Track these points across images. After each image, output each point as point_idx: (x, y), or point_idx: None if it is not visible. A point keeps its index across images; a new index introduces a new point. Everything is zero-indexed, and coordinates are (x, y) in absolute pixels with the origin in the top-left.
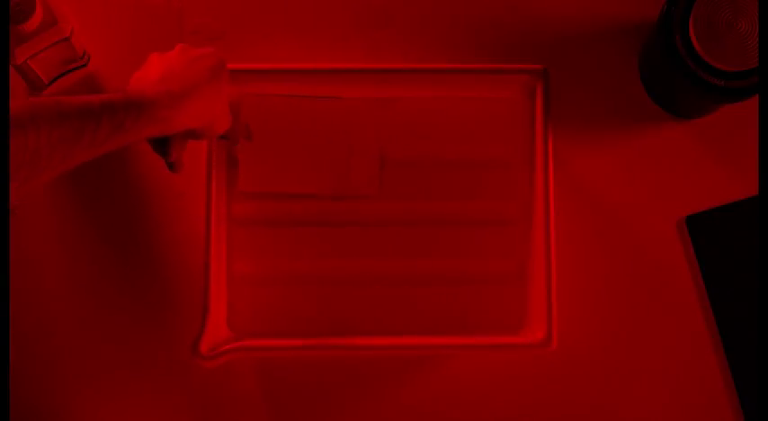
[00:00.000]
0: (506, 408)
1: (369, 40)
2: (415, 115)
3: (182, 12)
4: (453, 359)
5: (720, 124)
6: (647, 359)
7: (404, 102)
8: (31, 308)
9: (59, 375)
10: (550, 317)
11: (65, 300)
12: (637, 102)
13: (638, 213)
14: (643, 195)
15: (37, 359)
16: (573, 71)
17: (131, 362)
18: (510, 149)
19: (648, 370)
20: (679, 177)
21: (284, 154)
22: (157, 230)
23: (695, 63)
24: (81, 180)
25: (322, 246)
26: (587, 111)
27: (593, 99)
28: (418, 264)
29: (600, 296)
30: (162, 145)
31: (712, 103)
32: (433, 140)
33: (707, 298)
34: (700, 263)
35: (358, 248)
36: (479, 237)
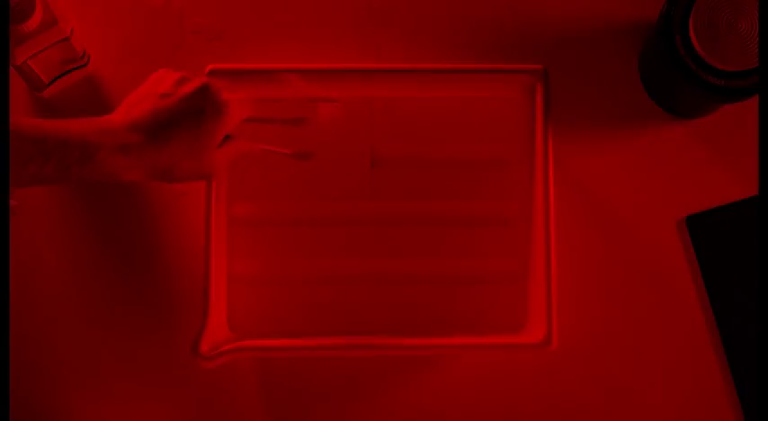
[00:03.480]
0: (506, 408)
1: (369, 40)
2: (415, 115)
3: (182, 12)
4: (453, 359)
5: (720, 124)
6: (647, 359)
7: (403, 101)
8: (31, 308)
9: (59, 375)
10: (550, 317)
11: (64, 301)
12: (637, 102)
13: (638, 213)
14: (643, 195)
15: (36, 359)
16: (573, 71)
17: (131, 362)
18: (509, 149)
19: (648, 370)
20: (679, 177)
21: (274, 160)
22: (157, 230)
23: (695, 63)
24: None
25: (322, 246)
26: (587, 111)
27: (593, 99)
28: (418, 264)
29: (600, 296)
30: None
31: (712, 103)
32: (434, 140)
33: (707, 298)
34: (700, 263)
35: (359, 248)
36: (479, 237)
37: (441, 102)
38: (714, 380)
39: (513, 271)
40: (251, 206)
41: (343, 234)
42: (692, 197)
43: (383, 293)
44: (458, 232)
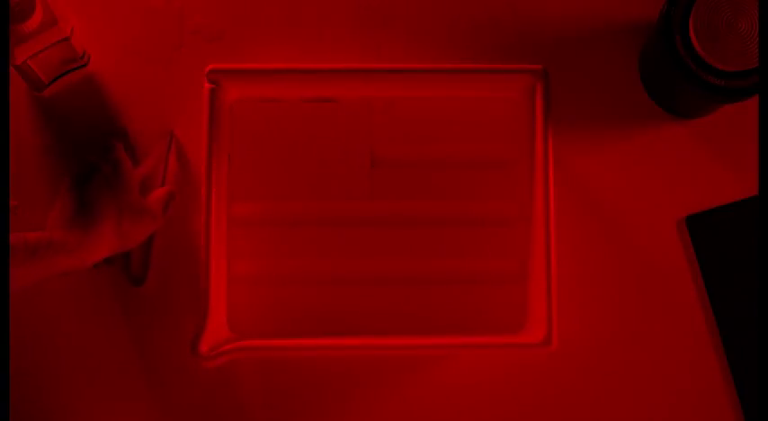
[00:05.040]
0: (506, 408)
1: (369, 40)
2: (415, 115)
3: (182, 12)
4: (453, 359)
5: (720, 124)
6: (647, 359)
7: (403, 102)
8: (31, 308)
9: (59, 375)
10: (550, 317)
11: (64, 300)
12: (637, 102)
13: (638, 213)
14: (643, 195)
15: (37, 359)
16: (573, 71)
17: (131, 362)
18: (510, 149)
19: (648, 370)
20: (679, 177)
21: (274, 160)
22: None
23: (695, 63)
24: None
25: (322, 246)
26: (587, 111)
27: (593, 99)
28: (418, 264)
29: (600, 296)
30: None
31: (712, 103)
32: (434, 140)
33: (707, 298)
34: (700, 263)
35: (358, 248)
36: (479, 237)
37: (440, 102)
38: (714, 380)
39: (513, 271)
40: (251, 206)
41: (343, 234)
42: (692, 197)
43: (382, 293)
44: (458, 232)
